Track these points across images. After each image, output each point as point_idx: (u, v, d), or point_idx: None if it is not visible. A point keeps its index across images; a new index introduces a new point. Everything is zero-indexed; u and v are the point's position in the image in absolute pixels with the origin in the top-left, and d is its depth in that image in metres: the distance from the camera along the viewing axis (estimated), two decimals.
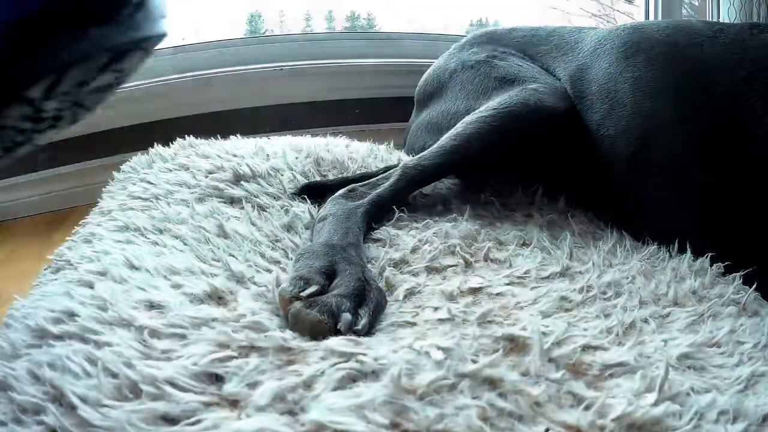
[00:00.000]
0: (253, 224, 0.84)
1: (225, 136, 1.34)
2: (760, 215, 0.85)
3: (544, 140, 1.04)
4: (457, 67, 1.24)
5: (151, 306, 0.60)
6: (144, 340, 0.54)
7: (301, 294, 0.62)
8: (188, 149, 1.17)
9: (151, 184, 1.00)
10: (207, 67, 1.95)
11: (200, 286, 0.65)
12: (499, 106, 1.03)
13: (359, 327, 0.59)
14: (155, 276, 0.66)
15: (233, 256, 0.75)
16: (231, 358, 0.52)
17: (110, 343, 0.53)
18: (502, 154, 1.04)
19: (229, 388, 0.48)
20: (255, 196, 0.94)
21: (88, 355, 0.51)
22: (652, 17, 2.25)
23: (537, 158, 1.07)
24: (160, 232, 0.81)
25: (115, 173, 1.16)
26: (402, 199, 0.96)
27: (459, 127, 1.03)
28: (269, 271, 0.72)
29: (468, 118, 1.04)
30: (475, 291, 0.69)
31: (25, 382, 0.49)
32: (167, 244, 0.76)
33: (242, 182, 0.98)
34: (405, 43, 2.15)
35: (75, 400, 0.46)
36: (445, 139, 1.02)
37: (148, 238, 0.79)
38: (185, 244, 0.77)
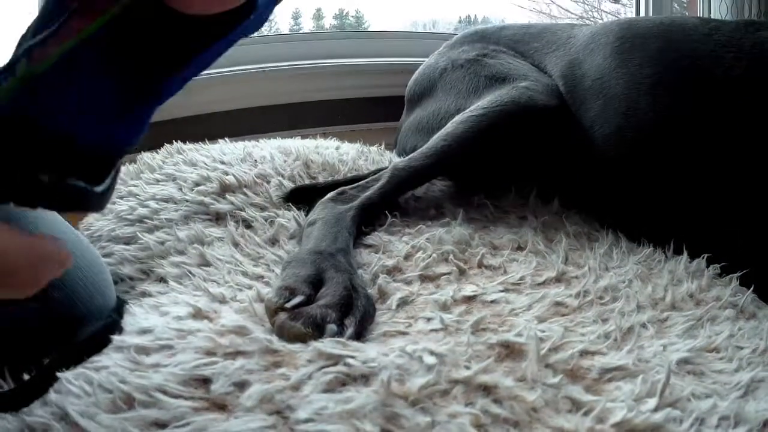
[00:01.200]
0: (235, 244, 0.84)
1: (213, 138, 1.32)
2: (757, 214, 0.84)
3: (536, 138, 1.04)
4: (447, 66, 1.23)
5: (143, 332, 0.59)
6: (133, 358, 0.53)
7: (286, 305, 0.60)
8: (176, 156, 1.17)
9: (138, 199, 1.00)
10: None
11: (185, 309, 0.64)
12: (490, 105, 1.02)
13: (344, 338, 0.58)
14: (143, 318, 0.66)
15: (214, 281, 0.75)
16: (217, 362, 0.51)
17: (106, 366, 0.53)
18: (494, 153, 1.03)
19: (217, 388, 0.48)
20: (240, 209, 0.94)
21: (87, 377, 0.52)
22: (642, 13, 2.25)
23: (530, 157, 1.06)
24: (146, 275, 0.82)
25: None
26: (392, 201, 0.94)
27: (449, 127, 1.02)
28: (250, 288, 0.71)
29: (458, 118, 1.03)
30: (469, 299, 0.68)
31: (34, 406, 0.51)
32: (152, 292, 0.76)
33: (227, 194, 0.97)
34: (394, 42, 2.14)
35: (76, 417, 0.48)
36: (435, 139, 1.01)
37: (136, 290, 0.79)
38: (167, 285, 0.77)
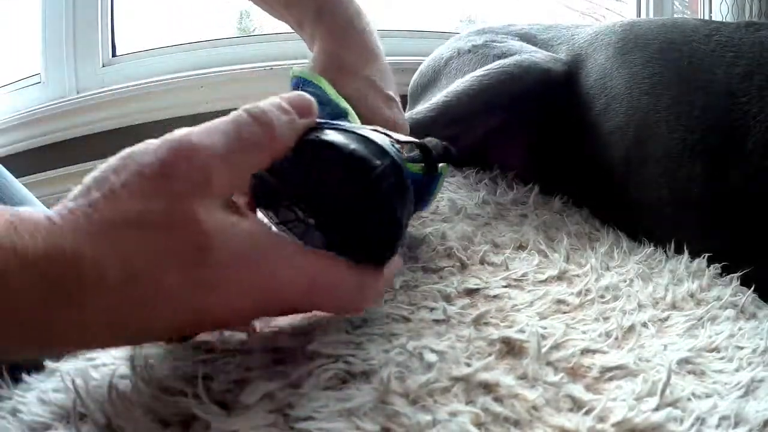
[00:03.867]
0: None
1: None
2: (757, 214, 0.84)
3: (539, 104, 1.04)
4: (452, 55, 1.23)
5: None
6: (133, 357, 0.53)
7: None
8: None
9: None
10: (196, 67, 1.94)
11: None
12: (492, 67, 1.04)
13: None
14: None
15: None
16: (217, 359, 0.51)
17: (106, 363, 0.54)
18: (496, 115, 1.04)
19: (217, 386, 0.48)
20: None
21: (87, 376, 0.52)
22: (644, 13, 2.25)
23: (533, 127, 1.07)
24: None
25: None
26: None
27: (452, 86, 1.04)
28: None
29: (461, 79, 1.04)
30: (472, 292, 0.68)
31: (33, 405, 0.51)
32: None
33: None
34: (396, 41, 2.14)
35: (76, 416, 0.48)
36: (438, 96, 1.03)
37: None
38: None
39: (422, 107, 1.01)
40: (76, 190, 0.42)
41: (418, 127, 0.98)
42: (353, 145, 0.49)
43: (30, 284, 0.37)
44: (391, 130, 0.66)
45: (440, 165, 0.69)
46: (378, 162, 0.49)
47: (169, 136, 0.45)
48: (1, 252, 0.36)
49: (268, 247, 0.45)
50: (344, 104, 0.68)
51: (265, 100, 0.51)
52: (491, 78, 1.01)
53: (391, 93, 0.73)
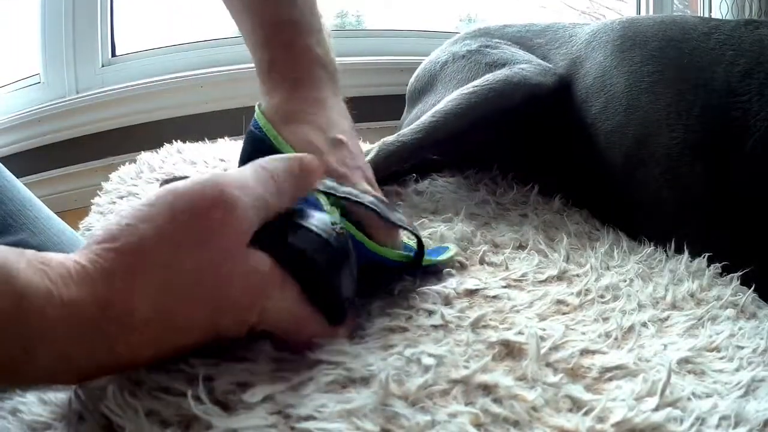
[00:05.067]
0: None
1: (214, 137, 1.33)
2: (757, 214, 0.84)
3: (530, 118, 1.03)
4: (448, 60, 1.23)
5: None
6: None
7: None
8: (176, 155, 1.17)
9: (138, 198, 1.00)
10: (196, 67, 1.94)
11: None
12: (481, 83, 1.02)
13: None
14: None
15: None
16: (221, 363, 0.51)
17: None
18: (484, 132, 1.04)
19: (219, 385, 0.48)
20: None
21: None
22: (644, 11, 2.25)
23: (525, 139, 1.06)
24: None
25: (104, 183, 1.14)
26: (381, 175, 0.93)
27: (440, 104, 1.03)
28: None
29: (449, 96, 1.03)
30: (471, 293, 0.67)
31: (34, 405, 0.52)
32: None
33: None
34: (396, 41, 2.14)
35: (77, 417, 0.49)
36: (425, 116, 1.02)
37: None
38: None
39: (408, 129, 1.00)
40: (100, 234, 0.46)
41: (405, 150, 0.98)
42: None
43: (65, 323, 0.41)
44: (338, 172, 0.68)
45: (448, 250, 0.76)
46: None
47: (204, 180, 0.49)
48: (38, 295, 0.40)
49: (275, 284, 0.51)
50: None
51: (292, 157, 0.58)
52: (479, 96, 1.00)
53: (340, 136, 0.73)
